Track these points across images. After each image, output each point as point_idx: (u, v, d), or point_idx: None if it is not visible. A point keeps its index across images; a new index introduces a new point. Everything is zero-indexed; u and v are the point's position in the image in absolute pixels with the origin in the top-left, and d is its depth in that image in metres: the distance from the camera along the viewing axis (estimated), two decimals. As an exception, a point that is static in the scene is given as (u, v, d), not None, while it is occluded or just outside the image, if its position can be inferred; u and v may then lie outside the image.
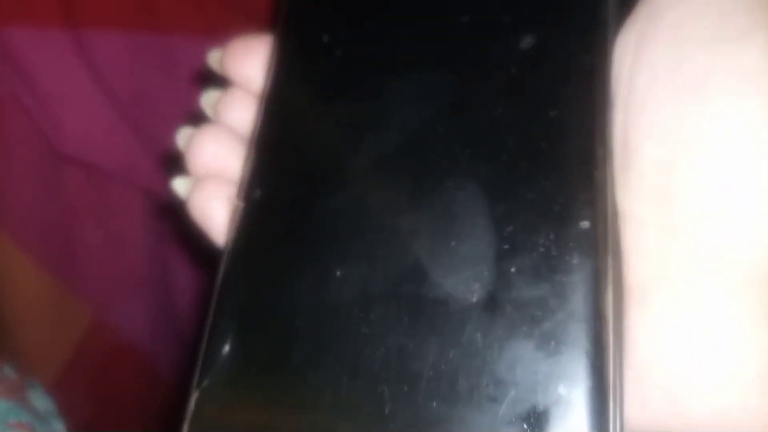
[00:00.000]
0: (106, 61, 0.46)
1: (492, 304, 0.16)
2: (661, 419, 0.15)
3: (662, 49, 0.17)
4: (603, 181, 0.16)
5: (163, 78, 0.48)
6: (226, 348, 0.18)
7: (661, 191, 0.16)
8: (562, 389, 0.15)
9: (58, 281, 0.50)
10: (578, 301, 0.15)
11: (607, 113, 0.17)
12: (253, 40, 0.22)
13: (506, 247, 0.17)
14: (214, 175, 0.22)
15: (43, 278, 0.49)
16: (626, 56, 0.17)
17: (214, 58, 0.23)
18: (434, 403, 0.16)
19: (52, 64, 0.44)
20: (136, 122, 0.47)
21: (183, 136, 0.23)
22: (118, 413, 0.52)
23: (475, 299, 0.16)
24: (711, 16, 0.16)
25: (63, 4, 0.44)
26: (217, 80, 0.24)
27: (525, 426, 0.15)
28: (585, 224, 0.16)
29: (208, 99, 0.23)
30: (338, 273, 0.18)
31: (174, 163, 0.24)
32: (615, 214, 0.17)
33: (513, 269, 0.16)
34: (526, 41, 0.18)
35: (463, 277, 0.17)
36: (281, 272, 0.19)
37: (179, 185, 0.23)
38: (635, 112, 0.17)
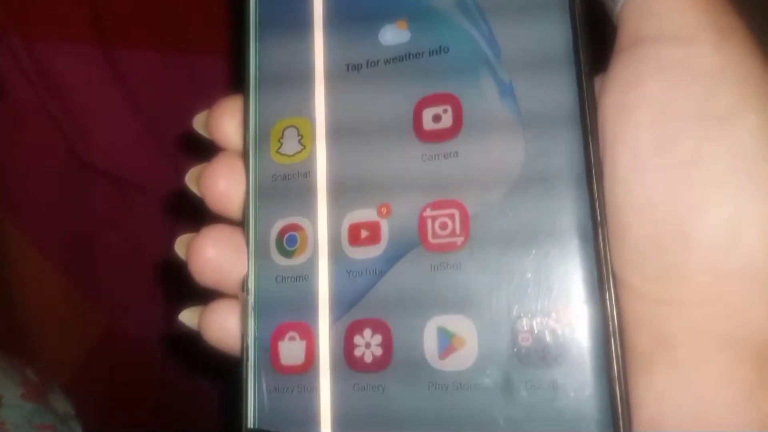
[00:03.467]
0: (135, 77, 0.48)
1: (509, 386, 0.17)
2: None
3: (646, 123, 0.16)
4: (604, 254, 0.17)
5: (187, 95, 0.50)
6: None
7: (655, 268, 0.16)
8: None
9: (76, 286, 0.51)
10: (591, 378, 0.16)
11: (599, 183, 0.17)
12: (232, 100, 0.21)
13: (517, 329, 0.17)
14: (218, 286, 0.21)
15: (62, 283, 0.51)
16: (607, 120, 0.17)
17: (198, 122, 0.22)
18: None
19: (83, 79, 0.46)
20: (161, 136, 0.49)
21: (180, 244, 0.21)
22: (128, 415, 0.53)
23: (491, 383, 0.17)
24: (696, 89, 0.16)
25: (95, 24, 0.46)
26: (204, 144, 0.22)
27: None
28: (592, 301, 0.17)
29: (191, 176, 0.22)
30: None
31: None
32: (616, 284, 0.17)
33: (524, 351, 0.17)
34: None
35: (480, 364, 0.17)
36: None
37: (186, 318, 0.22)
38: (621, 187, 0.16)
